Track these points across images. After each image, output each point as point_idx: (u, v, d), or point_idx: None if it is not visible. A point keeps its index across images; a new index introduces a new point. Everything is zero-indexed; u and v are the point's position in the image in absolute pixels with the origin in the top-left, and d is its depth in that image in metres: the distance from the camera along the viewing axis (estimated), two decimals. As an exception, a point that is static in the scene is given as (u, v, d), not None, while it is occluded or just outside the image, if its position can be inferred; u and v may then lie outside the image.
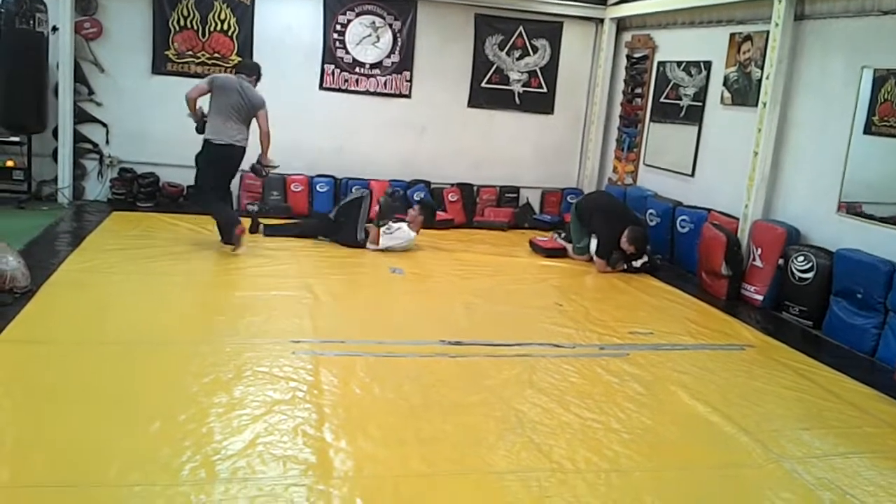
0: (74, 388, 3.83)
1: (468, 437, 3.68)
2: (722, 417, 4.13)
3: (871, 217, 5.97)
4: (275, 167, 7.20)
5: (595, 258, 7.36)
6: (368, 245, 7.39)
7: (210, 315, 5.19)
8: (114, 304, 5.23)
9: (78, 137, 8.35)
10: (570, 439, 3.72)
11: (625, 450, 3.67)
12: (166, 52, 8.42)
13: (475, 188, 9.43)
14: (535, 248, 7.96)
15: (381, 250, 7.34)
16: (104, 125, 8.47)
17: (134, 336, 4.63)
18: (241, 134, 6.86)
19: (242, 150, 6.92)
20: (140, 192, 8.43)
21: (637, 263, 7.25)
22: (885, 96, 5.87)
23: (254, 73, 7.05)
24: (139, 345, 4.50)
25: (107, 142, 8.51)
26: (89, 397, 3.74)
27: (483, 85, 9.40)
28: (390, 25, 8.97)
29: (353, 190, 8.06)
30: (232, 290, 5.82)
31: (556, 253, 7.80)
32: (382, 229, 7.36)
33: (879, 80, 5.88)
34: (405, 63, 9.09)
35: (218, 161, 6.85)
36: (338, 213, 7.56)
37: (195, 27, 8.44)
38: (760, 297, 6.50)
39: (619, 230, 7.22)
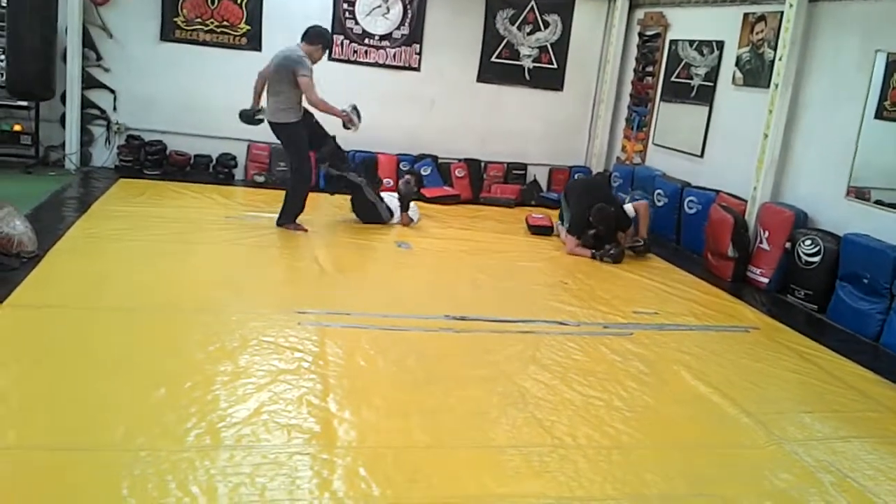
0: (80, 353, 3.86)
1: (471, 410, 3.71)
2: (724, 398, 4.14)
3: (879, 202, 5.95)
4: (354, 125, 6.79)
5: (567, 236, 7.18)
6: (396, 222, 7.44)
7: (216, 283, 5.19)
8: (120, 270, 5.24)
9: (85, 103, 8.31)
10: (572, 416, 3.75)
11: (626, 427, 3.69)
12: (175, 19, 8.34)
13: (482, 164, 9.38)
14: (527, 225, 7.91)
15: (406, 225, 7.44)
16: (112, 91, 8.42)
17: (139, 302, 4.65)
18: (277, 106, 6.34)
19: (282, 125, 6.41)
20: (147, 159, 8.41)
21: (613, 251, 6.84)
22: (898, 81, 5.82)
23: (314, 41, 6.43)
24: (145, 311, 4.53)
25: (114, 108, 8.46)
26: (95, 362, 3.77)
27: (493, 60, 9.31)
28: (401, -3, 8.89)
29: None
30: (238, 259, 5.83)
31: (541, 230, 7.72)
32: (408, 213, 7.44)
33: (893, 65, 5.81)
34: (415, 35, 9.01)
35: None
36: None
37: (205, -6, 8.37)
38: (766, 280, 6.49)
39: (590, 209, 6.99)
